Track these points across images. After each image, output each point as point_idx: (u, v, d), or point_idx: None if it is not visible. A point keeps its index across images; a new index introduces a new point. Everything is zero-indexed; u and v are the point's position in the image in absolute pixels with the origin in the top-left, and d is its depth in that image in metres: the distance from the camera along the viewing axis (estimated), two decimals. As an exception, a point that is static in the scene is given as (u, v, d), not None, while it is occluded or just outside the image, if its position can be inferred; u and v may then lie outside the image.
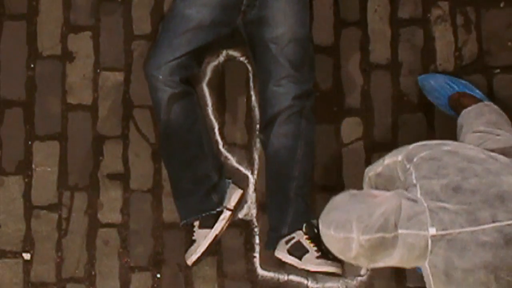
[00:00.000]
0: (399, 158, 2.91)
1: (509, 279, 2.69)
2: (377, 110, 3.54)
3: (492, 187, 2.72)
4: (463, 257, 2.67)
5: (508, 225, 2.69)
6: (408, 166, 2.82)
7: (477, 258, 2.67)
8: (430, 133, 3.60)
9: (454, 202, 2.70)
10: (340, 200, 2.76)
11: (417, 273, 3.30)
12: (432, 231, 2.66)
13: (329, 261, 3.34)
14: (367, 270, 3.49)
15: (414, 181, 2.77)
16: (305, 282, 3.49)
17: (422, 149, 2.87)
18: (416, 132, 3.65)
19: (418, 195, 2.72)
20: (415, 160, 2.81)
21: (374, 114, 3.58)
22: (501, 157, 2.87)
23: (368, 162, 3.54)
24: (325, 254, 3.34)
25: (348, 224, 2.64)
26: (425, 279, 2.81)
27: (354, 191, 2.84)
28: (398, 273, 3.50)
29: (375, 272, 3.49)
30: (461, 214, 2.69)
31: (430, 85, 3.59)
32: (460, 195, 2.72)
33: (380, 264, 2.71)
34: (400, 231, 2.63)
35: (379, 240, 2.63)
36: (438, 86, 3.56)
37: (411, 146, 2.90)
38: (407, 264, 2.73)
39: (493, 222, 2.69)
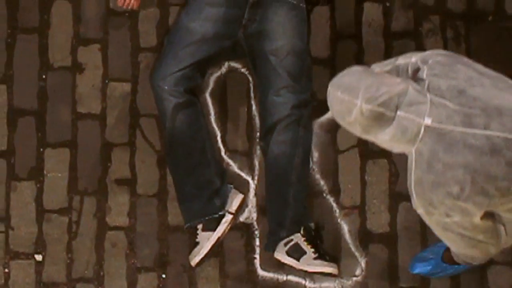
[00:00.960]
0: (413, 59, 2.97)
1: (483, 185, 2.80)
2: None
3: (494, 99, 2.79)
4: (448, 152, 2.79)
5: (498, 136, 2.79)
6: (421, 65, 2.90)
7: (460, 157, 2.78)
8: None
9: (455, 103, 2.79)
10: (355, 69, 2.82)
11: (409, 273, 3.48)
12: (428, 121, 2.77)
13: (326, 262, 3.40)
14: (362, 270, 3.51)
15: (424, 77, 2.85)
16: (303, 282, 3.54)
17: (439, 55, 2.94)
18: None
19: (425, 88, 2.80)
20: (430, 61, 2.88)
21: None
22: None
23: (363, 168, 3.66)
24: (322, 255, 3.42)
25: (356, 90, 2.72)
26: (408, 165, 2.91)
27: (370, 69, 2.93)
28: (391, 273, 3.55)
29: (370, 273, 3.54)
30: (458, 114, 2.79)
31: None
32: (463, 98, 2.80)
33: (371, 137, 2.83)
34: (399, 112, 2.73)
35: (378, 114, 2.73)
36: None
37: (428, 51, 2.97)
38: (396, 146, 2.84)
39: (485, 129, 2.79)
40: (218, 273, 3.58)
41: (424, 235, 3.61)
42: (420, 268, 3.56)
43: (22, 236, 3.60)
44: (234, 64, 3.68)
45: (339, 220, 3.60)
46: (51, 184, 3.62)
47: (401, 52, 3.60)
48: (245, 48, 3.50)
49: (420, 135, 2.81)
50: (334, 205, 3.63)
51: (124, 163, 3.64)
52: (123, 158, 3.64)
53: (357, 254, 3.59)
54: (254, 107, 3.67)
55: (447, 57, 2.94)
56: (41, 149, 3.63)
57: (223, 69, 3.67)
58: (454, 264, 3.51)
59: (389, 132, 2.78)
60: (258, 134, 3.63)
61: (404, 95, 2.76)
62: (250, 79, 3.67)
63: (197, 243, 3.49)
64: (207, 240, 3.48)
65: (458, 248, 3.13)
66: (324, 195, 3.63)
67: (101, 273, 3.58)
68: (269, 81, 3.46)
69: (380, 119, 2.76)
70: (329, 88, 2.82)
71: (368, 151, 3.61)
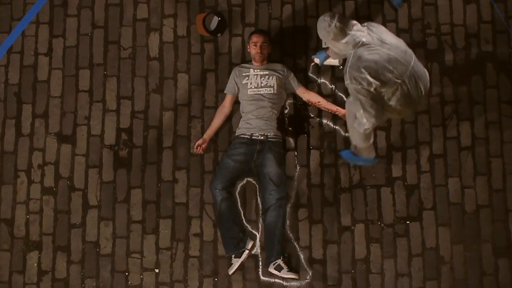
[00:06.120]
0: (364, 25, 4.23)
1: (380, 72, 4.11)
2: (314, 204, 4.99)
3: (397, 42, 4.17)
4: (369, 54, 4.15)
5: (393, 55, 4.08)
6: (367, 25, 4.19)
7: (373, 56, 4.13)
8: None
9: (377, 38, 4.13)
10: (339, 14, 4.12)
11: (334, 277, 4.81)
12: (363, 39, 4.16)
13: (293, 273, 4.90)
14: (310, 276, 4.95)
15: (368, 28, 4.22)
16: (282, 282, 5.10)
17: (377, 24, 4.19)
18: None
19: (366, 30, 4.17)
20: (372, 24, 4.25)
21: (313, 208, 5.12)
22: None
23: (311, 228, 4.98)
24: (291, 269, 4.91)
25: (335, 17, 4.06)
26: (348, 58, 4.25)
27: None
28: (323, 278, 5.00)
29: (314, 277, 5.00)
30: (378, 41, 4.13)
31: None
32: (383, 36, 4.17)
33: (334, 43, 4.15)
34: (352, 31, 4.13)
35: (342, 29, 4.13)
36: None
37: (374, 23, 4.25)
38: (344, 49, 4.13)
39: (388, 51, 4.13)
40: (242, 278, 5.06)
41: (339, 260, 4.97)
42: (346, 153, 4.90)
43: (149, 260, 5.18)
44: (249, 179, 5.15)
45: (299, 252, 5.09)
46: (162, 236, 5.20)
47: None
48: (254, 171, 5.02)
49: (358, 45, 4.21)
50: (296, 245, 5.06)
51: (197, 226, 5.15)
52: (197, 224, 5.16)
53: (307, 269, 5.04)
54: (259, 200, 5.13)
55: (380, 26, 4.33)
56: (157, 219, 5.23)
57: (244, 181, 5.15)
58: (356, 156, 4.80)
59: (344, 40, 4.17)
60: (260, 212, 5.06)
61: (357, 26, 4.19)
62: (257, 186, 5.12)
63: (232, 263, 5.02)
64: (237, 262, 5.00)
65: (357, 114, 4.25)
66: (292, 241, 5.08)
67: (186, 278, 5.09)
68: (265, 187, 4.98)
69: (342, 31, 4.17)
70: (322, 16, 4.20)
71: (313, 220, 5.03)
